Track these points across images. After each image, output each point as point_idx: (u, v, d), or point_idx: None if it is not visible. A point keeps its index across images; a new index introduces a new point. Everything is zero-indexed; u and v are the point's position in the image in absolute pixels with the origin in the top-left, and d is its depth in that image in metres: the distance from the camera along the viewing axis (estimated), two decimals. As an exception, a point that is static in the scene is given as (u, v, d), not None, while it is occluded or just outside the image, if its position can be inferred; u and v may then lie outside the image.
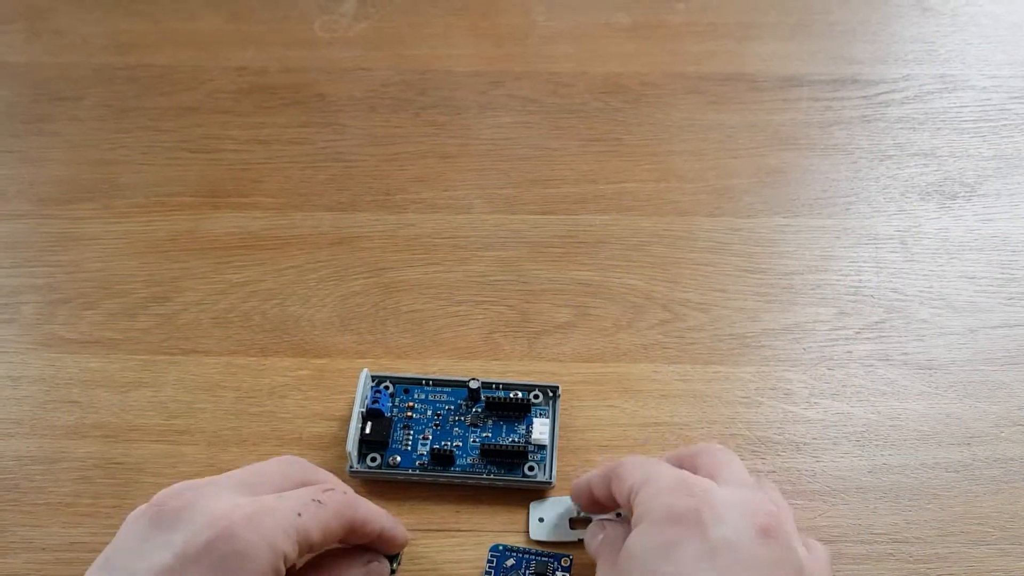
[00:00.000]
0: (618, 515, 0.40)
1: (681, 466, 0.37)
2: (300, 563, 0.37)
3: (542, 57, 0.61)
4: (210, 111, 0.58)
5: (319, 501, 0.35)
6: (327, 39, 0.63)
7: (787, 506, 0.37)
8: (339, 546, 0.38)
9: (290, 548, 0.34)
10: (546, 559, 0.41)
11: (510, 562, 0.41)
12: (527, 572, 0.40)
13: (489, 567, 0.41)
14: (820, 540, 0.41)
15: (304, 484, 0.37)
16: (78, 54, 0.62)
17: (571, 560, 0.41)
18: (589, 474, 0.40)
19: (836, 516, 0.43)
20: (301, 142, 0.57)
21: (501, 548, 0.41)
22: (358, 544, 0.38)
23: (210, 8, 0.64)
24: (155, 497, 0.34)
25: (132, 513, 0.35)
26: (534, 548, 0.41)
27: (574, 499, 0.41)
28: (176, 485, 0.35)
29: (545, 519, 0.42)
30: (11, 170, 0.56)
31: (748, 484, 0.36)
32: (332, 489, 0.36)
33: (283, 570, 0.33)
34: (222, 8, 0.64)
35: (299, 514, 0.34)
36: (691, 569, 0.32)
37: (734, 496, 0.34)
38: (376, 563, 0.38)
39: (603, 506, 0.40)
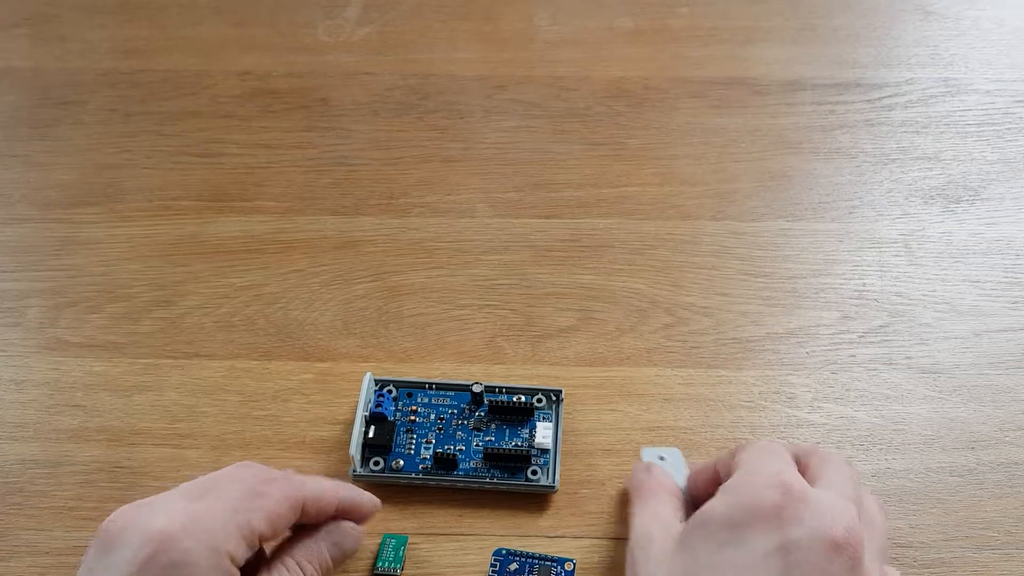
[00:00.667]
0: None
1: (797, 460, 0.37)
2: (268, 550, 0.37)
3: (545, 61, 0.61)
4: (214, 116, 0.59)
5: (259, 493, 0.35)
6: (331, 44, 0.63)
7: (880, 524, 0.36)
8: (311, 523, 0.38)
9: (234, 546, 0.34)
10: (549, 563, 0.41)
11: (513, 566, 0.41)
12: (530, 575, 0.40)
13: (492, 571, 0.40)
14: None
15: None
16: (83, 59, 0.62)
17: (575, 564, 0.41)
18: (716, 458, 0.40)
19: (840, 520, 0.42)
20: (304, 146, 0.57)
21: (504, 552, 0.41)
22: (324, 520, 0.38)
23: (214, 13, 0.65)
24: (100, 525, 0.35)
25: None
26: (537, 552, 0.41)
27: (690, 485, 0.40)
28: (120, 508, 0.35)
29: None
30: (16, 174, 0.56)
31: (845, 495, 0.35)
32: (275, 479, 0.36)
33: (232, 569, 0.34)
34: (226, 13, 0.65)
35: (236, 511, 0.34)
36: (753, 561, 0.32)
37: (823, 503, 0.34)
38: (336, 528, 0.38)
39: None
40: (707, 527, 0.34)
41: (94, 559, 0.34)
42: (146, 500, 0.35)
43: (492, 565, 0.41)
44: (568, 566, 0.40)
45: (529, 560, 0.41)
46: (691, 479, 0.40)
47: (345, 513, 0.39)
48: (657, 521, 0.37)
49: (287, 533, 0.38)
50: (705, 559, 0.33)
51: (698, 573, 0.33)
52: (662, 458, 0.42)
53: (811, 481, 0.35)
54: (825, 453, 0.38)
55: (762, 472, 0.35)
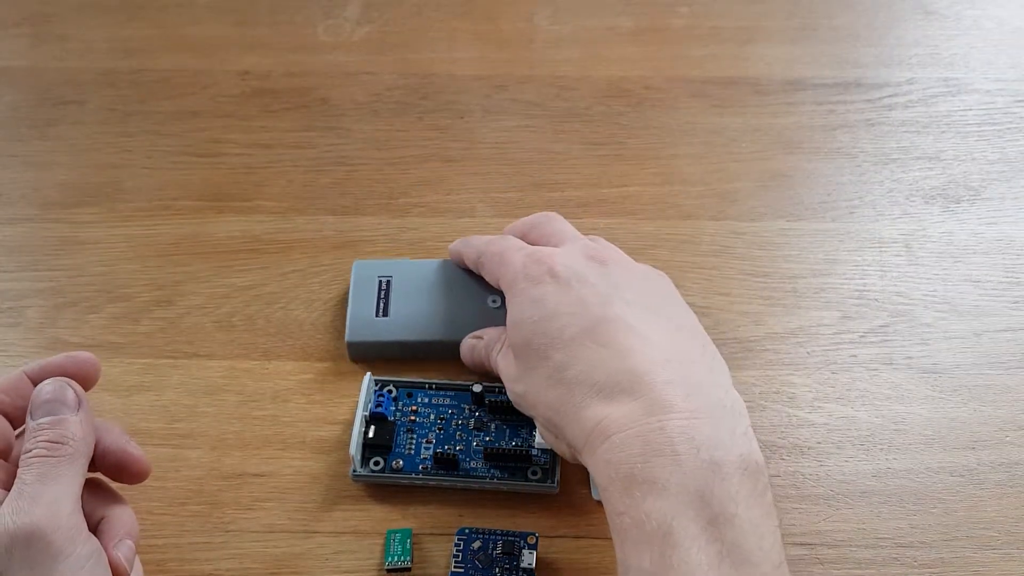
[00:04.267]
0: None
1: (524, 237, 0.46)
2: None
3: (545, 61, 0.61)
4: (213, 115, 0.59)
5: None
6: (330, 43, 0.63)
7: (611, 246, 0.45)
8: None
9: None
10: (513, 538, 0.41)
11: (477, 544, 0.41)
12: (495, 552, 0.40)
13: (456, 550, 0.41)
14: (824, 544, 0.41)
15: None
16: (82, 59, 0.62)
17: (537, 537, 0.41)
18: (461, 246, 0.48)
19: (840, 520, 0.42)
20: (304, 146, 0.57)
21: (467, 531, 0.41)
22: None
23: (214, 13, 0.65)
24: None
25: None
26: (499, 529, 0.41)
27: (453, 257, 0.49)
28: None
29: None
30: (15, 174, 0.56)
31: (580, 238, 0.45)
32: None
33: None
34: (226, 13, 0.65)
35: None
36: (554, 301, 0.40)
37: (570, 249, 0.43)
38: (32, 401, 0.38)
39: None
40: (518, 323, 0.41)
41: None
42: None
43: (456, 544, 0.41)
44: (531, 539, 0.41)
45: (492, 536, 0.41)
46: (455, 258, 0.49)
47: (38, 374, 0.39)
48: None
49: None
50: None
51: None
52: None
53: (550, 247, 0.44)
54: (543, 219, 0.47)
55: (517, 262, 0.43)
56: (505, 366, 0.42)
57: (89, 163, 0.56)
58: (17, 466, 0.36)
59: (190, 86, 0.60)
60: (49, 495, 0.35)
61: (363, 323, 0.47)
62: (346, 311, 0.48)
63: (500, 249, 0.45)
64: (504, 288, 0.43)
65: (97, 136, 0.58)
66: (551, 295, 0.40)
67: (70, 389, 0.38)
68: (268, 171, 0.56)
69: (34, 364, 0.39)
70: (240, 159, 0.56)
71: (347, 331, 0.47)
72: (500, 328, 0.45)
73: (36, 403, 0.37)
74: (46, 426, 0.36)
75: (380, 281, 0.49)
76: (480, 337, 0.46)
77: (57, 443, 0.36)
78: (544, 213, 0.47)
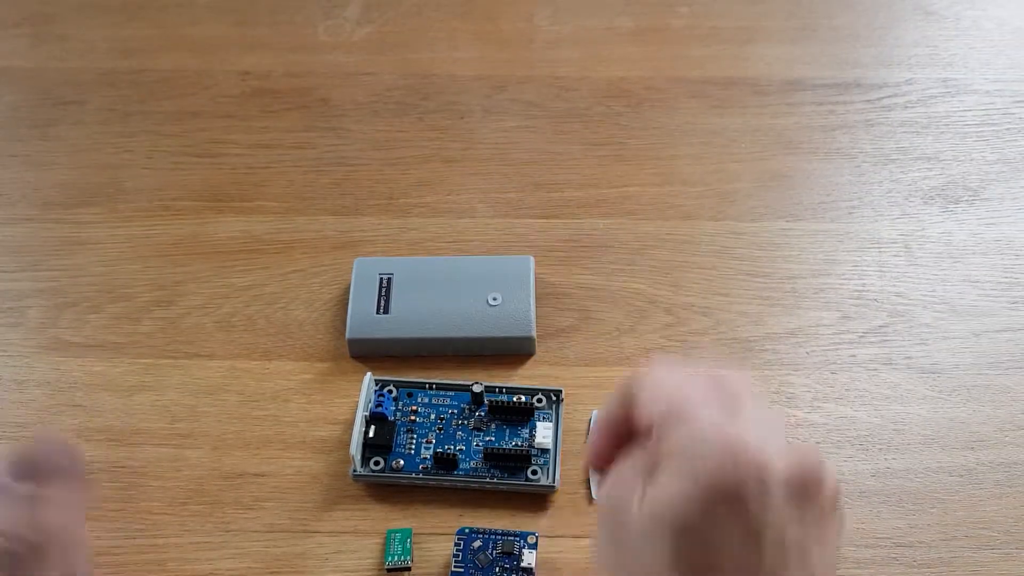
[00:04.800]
0: None
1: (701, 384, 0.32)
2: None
3: (545, 61, 0.61)
4: (214, 115, 0.59)
5: None
6: (331, 44, 0.63)
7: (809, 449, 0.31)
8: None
9: None
10: (512, 538, 0.41)
11: (477, 543, 0.41)
12: (494, 552, 0.41)
13: (456, 550, 0.41)
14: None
15: None
16: (83, 59, 0.62)
17: (537, 537, 0.41)
18: (603, 414, 0.33)
19: (840, 520, 0.42)
20: (304, 146, 0.57)
21: (467, 531, 0.41)
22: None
23: (214, 13, 0.65)
24: None
25: None
26: (499, 529, 0.41)
27: (591, 463, 0.33)
28: None
29: None
30: (16, 174, 0.56)
31: (773, 427, 0.31)
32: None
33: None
34: (226, 13, 0.65)
35: None
36: (739, 552, 0.29)
37: (776, 456, 0.29)
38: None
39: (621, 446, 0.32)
40: (676, 526, 0.29)
41: None
42: None
43: (456, 544, 0.41)
44: (531, 539, 0.41)
45: (492, 536, 0.41)
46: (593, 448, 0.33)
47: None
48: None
49: None
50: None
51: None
52: None
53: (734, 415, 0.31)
54: (730, 379, 0.32)
55: (701, 431, 0.30)
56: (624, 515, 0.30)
57: (89, 163, 0.56)
58: None
59: (190, 86, 0.60)
60: None
61: (364, 320, 0.48)
62: (347, 309, 0.48)
63: (672, 382, 0.31)
64: (661, 440, 0.30)
65: (97, 136, 0.58)
66: (729, 539, 0.29)
67: None
68: (268, 171, 0.56)
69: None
70: (240, 159, 0.56)
71: (348, 328, 0.47)
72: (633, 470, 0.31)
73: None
74: None
75: (381, 279, 0.49)
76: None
77: None
78: (730, 374, 0.32)
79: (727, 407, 0.31)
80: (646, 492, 0.30)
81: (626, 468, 0.31)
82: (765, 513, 0.29)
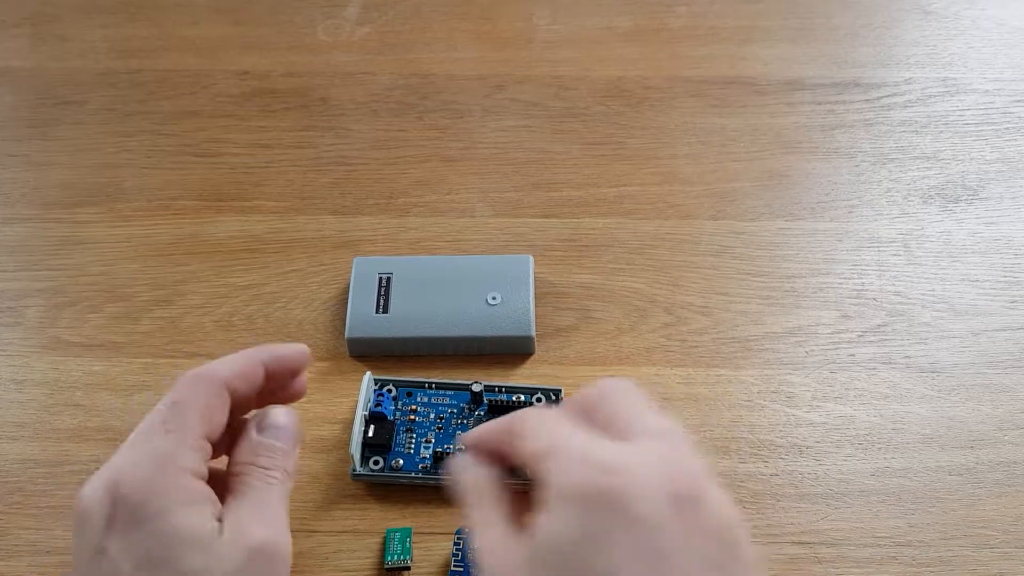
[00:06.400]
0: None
1: (587, 414, 0.33)
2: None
3: (544, 61, 0.61)
4: (213, 115, 0.59)
5: (178, 402, 0.34)
6: (330, 43, 0.63)
7: (695, 456, 0.32)
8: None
9: (186, 459, 0.33)
10: None
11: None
12: None
13: (456, 549, 0.41)
14: (823, 543, 0.41)
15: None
16: (82, 59, 0.62)
17: None
18: (484, 427, 0.35)
19: (839, 520, 0.43)
20: (304, 146, 0.57)
21: (467, 531, 0.41)
22: (258, 389, 0.36)
23: (214, 13, 0.65)
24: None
25: None
26: None
27: (468, 449, 0.35)
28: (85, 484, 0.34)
29: None
30: (15, 174, 0.56)
31: (660, 433, 0.32)
32: (187, 383, 0.34)
33: (195, 482, 0.33)
34: (225, 13, 0.65)
35: (167, 429, 0.33)
36: (626, 562, 0.29)
37: (649, 462, 0.30)
38: (261, 414, 0.36)
39: (501, 462, 0.34)
40: (559, 551, 0.30)
41: (74, 542, 0.33)
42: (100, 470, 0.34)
43: (456, 543, 0.41)
44: None
45: None
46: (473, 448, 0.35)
47: (275, 375, 0.37)
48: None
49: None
50: None
51: None
52: None
53: (619, 434, 0.32)
54: (612, 390, 0.33)
55: (571, 454, 0.31)
56: (505, 556, 0.31)
57: (89, 163, 0.56)
58: (212, 455, 0.34)
59: (190, 86, 0.60)
60: (284, 515, 0.34)
61: (363, 319, 0.48)
62: (346, 309, 0.48)
63: (549, 420, 0.33)
64: (539, 474, 0.31)
65: (97, 136, 0.58)
66: (613, 540, 0.29)
67: (299, 424, 0.37)
68: (268, 171, 0.56)
69: (269, 352, 0.37)
70: (240, 159, 0.56)
71: (347, 327, 0.47)
72: (491, 476, 0.33)
73: (273, 422, 0.36)
74: (279, 451, 0.36)
75: (380, 278, 0.49)
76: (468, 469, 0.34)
77: (286, 472, 0.36)
78: (610, 384, 0.34)
79: (603, 429, 0.32)
80: (525, 543, 0.30)
81: (498, 541, 0.31)
82: (640, 523, 0.29)
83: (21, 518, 0.43)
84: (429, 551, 0.42)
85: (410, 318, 0.48)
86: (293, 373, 0.37)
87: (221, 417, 0.35)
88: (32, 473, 0.44)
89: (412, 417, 0.45)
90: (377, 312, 0.48)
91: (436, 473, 0.43)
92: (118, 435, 0.45)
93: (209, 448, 0.34)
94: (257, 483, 0.35)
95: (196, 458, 0.33)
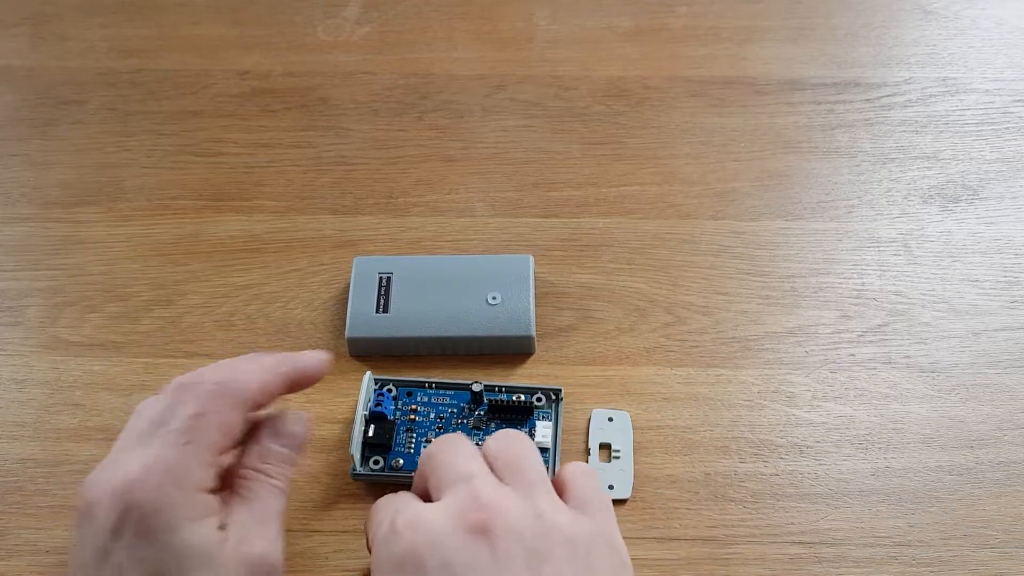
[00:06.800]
0: None
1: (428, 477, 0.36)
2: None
3: (544, 61, 0.61)
4: (213, 115, 0.59)
5: (201, 413, 0.34)
6: (330, 43, 0.63)
7: (495, 488, 0.34)
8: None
9: (200, 475, 0.33)
10: None
11: None
12: None
13: None
14: (822, 543, 0.41)
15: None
16: (83, 58, 0.62)
17: None
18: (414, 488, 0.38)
19: (839, 519, 0.43)
20: (304, 146, 0.57)
21: None
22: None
23: (214, 13, 0.65)
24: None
25: None
26: None
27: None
28: (87, 476, 0.34)
29: None
30: (16, 173, 0.56)
31: (467, 477, 0.34)
32: (211, 392, 0.35)
33: (206, 498, 0.33)
34: (225, 13, 0.65)
35: (188, 440, 0.34)
36: None
37: (439, 509, 0.33)
38: (278, 420, 0.37)
39: None
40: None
41: (76, 535, 0.33)
42: (107, 459, 0.35)
43: None
44: None
45: None
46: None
47: (295, 384, 0.38)
48: None
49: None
50: None
51: None
52: (611, 419, 0.45)
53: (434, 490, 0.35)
54: (426, 455, 0.37)
55: (381, 528, 0.34)
56: None
57: (89, 163, 0.56)
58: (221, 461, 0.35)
59: (190, 86, 0.60)
60: (282, 525, 0.35)
61: (363, 319, 0.48)
62: (346, 308, 0.48)
63: (375, 508, 0.36)
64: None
65: (97, 136, 0.58)
66: None
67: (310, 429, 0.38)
68: (268, 171, 0.56)
69: (292, 364, 0.37)
70: (240, 159, 0.57)
71: (347, 327, 0.47)
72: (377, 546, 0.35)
73: (289, 431, 0.37)
74: (288, 459, 0.37)
75: (380, 278, 0.49)
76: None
77: (287, 477, 0.37)
78: (427, 450, 0.37)
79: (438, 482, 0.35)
80: None
81: None
82: (437, 571, 0.31)
83: (21, 518, 0.43)
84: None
85: (410, 318, 0.48)
86: (312, 381, 0.38)
87: (238, 432, 0.36)
88: (32, 473, 0.44)
89: (412, 417, 0.45)
90: (377, 312, 0.48)
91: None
92: (118, 435, 0.45)
93: (223, 461, 0.35)
94: (263, 491, 0.36)
95: (210, 475, 0.34)
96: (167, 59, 0.62)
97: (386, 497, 0.37)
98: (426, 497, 0.36)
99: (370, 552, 0.36)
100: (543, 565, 0.32)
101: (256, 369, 0.37)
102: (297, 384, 0.38)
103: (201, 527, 0.33)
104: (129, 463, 0.33)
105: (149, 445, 0.34)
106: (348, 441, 0.44)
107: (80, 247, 0.53)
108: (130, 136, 0.58)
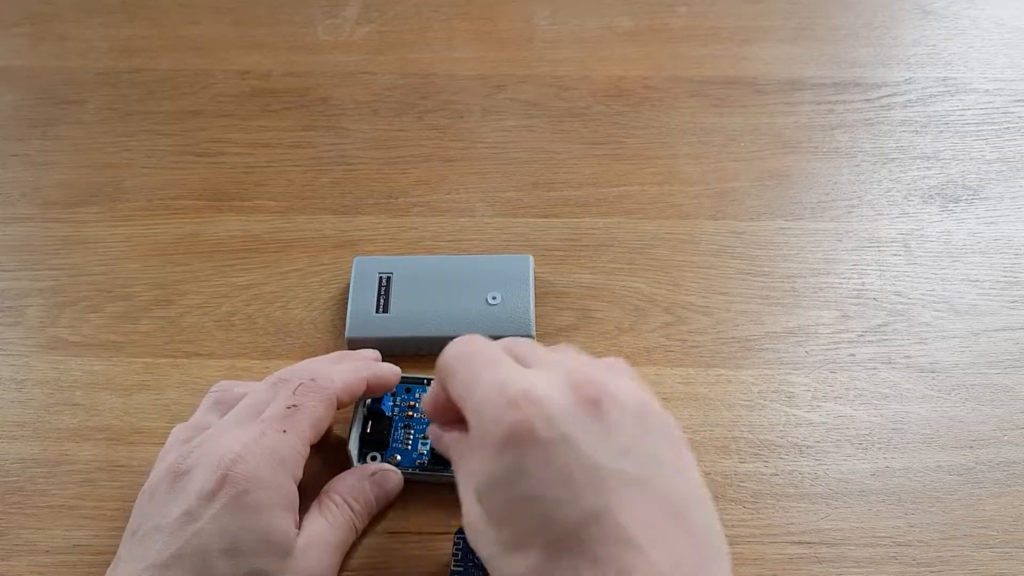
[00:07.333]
0: None
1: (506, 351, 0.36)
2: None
3: (545, 61, 0.61)
4: (213, 115, 0.59)
5: (295, 406, 0.37)
6: (330, 43, 0.63)
7: (594, 363, 0.35)
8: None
9: (293, 464, 0.36)
10: None
11: None
12: None
13: (456, 549, 0.40)
14: (822, 543, 0.41)
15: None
16: (83, 58, 0.62)
17: None
18: (431, 386, 0.39)
19: (839, 519, 0.42)
20: (304, 146, 0.57)
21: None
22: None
23: (214, 13, 0.65)
24: (169, 463, 0.37)
25: (143, 488, 0.37)
26: None
27: (428, 415, 0.39)
28: (185, 447, 0.37)
29: None
30: (16, 173, 0.56)
31: (563, 356, 0.36)
32: (303, 386, 0.38)
33: (293, 488, 0.36)
34: (226, 13, 0.65)
35: (284, 427, 0.36)
36: (544, 482, 0.31)
37: (552, 381, 0.33)
38: (382, 472, 0.41)
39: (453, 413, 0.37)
40: (492, 495, 0.33)
41: (164, 491, 0.35)
42: (206, 434, 0.37)
43: (455, 543, 0.41)
44: None
45: None
46: (431, 413, 0.39)
47: (371, 390, 0.41)
48: None
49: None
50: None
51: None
52: None
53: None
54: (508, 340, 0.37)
55: (483, 394, 0.34)
56: (468, 507, 0.34)
57: (89, 163, 0.56)
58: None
59: (190, 86, 0.60)
60: (337, 565, 0.39)
61: (363, 319, 0.48)
62: (346, 308, 0.48)
63: (464, 358, 0.36)
64: (467, 417, 0.34)
65: (97, 136, 0.58)
66: (531, 468, 0.31)
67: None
68: (268, 171, 0.56)
69: (373, 372, 0.42)
70: (240, 159, 0.57)
71: (347, 327, 0.47)
72: (460, 432, 0.36)
73: (390, 487, 0.42)
74: (371, 510, 0.41)
75: (380, 277, 0.49)
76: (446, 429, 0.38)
77: (363, 524, 0.41)
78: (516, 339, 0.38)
79: (518, 359, 0.35)
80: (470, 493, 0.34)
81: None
82: (550, 444, 0.31)
83: (21, 518, 0.43)
84: (430, 551, 0.42)
85: (410, 318, 0.48)
86: (385, 391, 0.42)
87: (326, 427, 0.39)
88: (32, 473, 0.44)
89: (410, 414, 0.45)
90: (377, 312, 0.48)
91: (433, 470, 0.43)
92: (118, 435, 0.45)
93: (307, 453, 0.38)
94: (344, 520, 0.39)
95: (300, 464, 0.37)
96: (167, 59, 0.62)
97: (478, 353, 0.36)
98: (448, 402, 0.36)
99: (429, 408, 0.38)
100: (645, 435, 0.33)
101: (343, 370, 0.40)
102: (371, 390, 0.41)
103: (285, 517, 0.35)
104: (233, 440, 0.36)
105: (250, 429, 0.36)
106: (346, 438, 0.44)
107: (80, 247, 0.53)
108: (130, 136, 0.58)
